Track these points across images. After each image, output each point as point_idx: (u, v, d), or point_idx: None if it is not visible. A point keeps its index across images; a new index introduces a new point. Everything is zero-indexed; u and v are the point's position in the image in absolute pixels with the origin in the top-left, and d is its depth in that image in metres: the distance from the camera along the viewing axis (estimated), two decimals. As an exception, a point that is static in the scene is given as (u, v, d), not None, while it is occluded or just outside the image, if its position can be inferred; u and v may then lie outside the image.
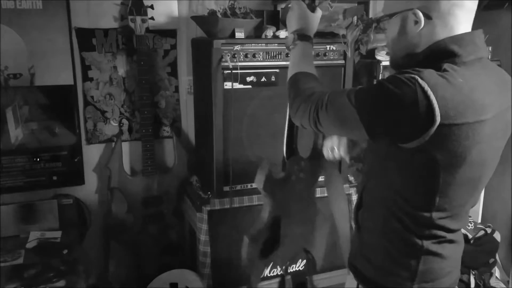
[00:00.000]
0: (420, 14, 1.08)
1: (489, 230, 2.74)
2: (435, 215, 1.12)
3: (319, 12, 1.47)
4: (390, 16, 1.15)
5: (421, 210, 1.12)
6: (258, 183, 1.71)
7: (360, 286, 1.30)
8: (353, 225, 1.39)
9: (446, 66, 1.03)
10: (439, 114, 0.97)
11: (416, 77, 0.99)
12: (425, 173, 1.07)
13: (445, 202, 1.11)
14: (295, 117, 1.28)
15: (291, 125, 1.75)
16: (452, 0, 1.07)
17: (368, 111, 1.06)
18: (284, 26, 2.34)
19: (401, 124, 1.01)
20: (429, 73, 1.01)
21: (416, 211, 1.13)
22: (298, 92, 1.28)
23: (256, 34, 2.31)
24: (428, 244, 1.16)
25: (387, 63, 2.42)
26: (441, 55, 1.07)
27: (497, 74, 1.16)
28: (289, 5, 1.50)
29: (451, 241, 1.20)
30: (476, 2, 1.10)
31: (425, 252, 1.16)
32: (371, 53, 2.40)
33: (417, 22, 1.09)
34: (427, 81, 0.98)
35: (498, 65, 2.84)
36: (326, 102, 1.15)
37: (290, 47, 1.42)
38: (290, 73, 1.37)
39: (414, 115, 0.98)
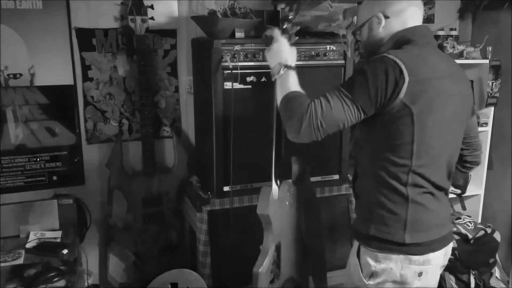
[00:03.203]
0: (381, 15, 1.47)
1: (489, 230, 2.74)
2: (414, 162, 1.37)
3: (294, 49, 1.69)
4: (362, 25, 1.53)
5: (403, 158, 1.37)
6: (261, 210, 1.73)
7: (361, 246, 1.48)
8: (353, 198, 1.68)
9: (404, 46, 1.42)
10: (407, 74, 1.30)
11: (384, 54, 1.36)
12: (404, 124, 1.34)
13: (421, 150, 1.37)
14: (301, 134, 1.36)
15: (278, 152, 1.78)
16: (403, 2, 1.46)
17: (359, 93, 1.33)
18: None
19: (384, 90, 1.30)
20: (392, 51, 1.38)
21: (399, 159, 1.37)
22: (293, 111, 1.38)
23: (256, 34, 2.31)
24: (411, 192, 1.39)
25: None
26: (401, 41, 1.44)
27: (442, 54, 1.56)
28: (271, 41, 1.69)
29: (433, 195, 1.43)
30: (421, 3, 1.50)
31: (411, 201, 1.39)
32: (371, 53, 2.40)
33: (379, 23, 1.47)
34: (393, 54, 1.34)
35: (497, 65, 2.86)
36: (323, 106, 1.34)
37: (278, 75, 1.56)
38: (280, 96, 1.48)
39: (391, 79, 1.30)
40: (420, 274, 1.43)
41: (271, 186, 1.78)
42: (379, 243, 1.42)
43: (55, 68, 2.35)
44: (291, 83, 1.51)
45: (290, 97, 1.44)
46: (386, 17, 1.46)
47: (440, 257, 1.48)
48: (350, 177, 2.50)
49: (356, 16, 1.61)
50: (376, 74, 1.31)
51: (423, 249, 1.42)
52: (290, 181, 1.88)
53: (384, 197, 1.41)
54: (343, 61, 2.30)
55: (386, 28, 1.47)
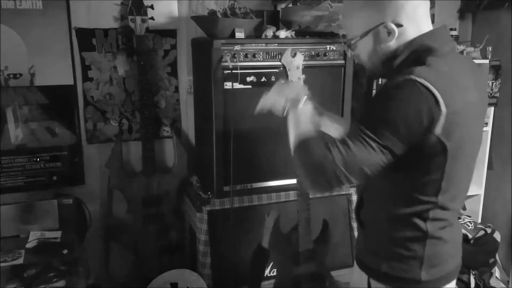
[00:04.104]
0: (392, 26, 1.16)
1: (489, 230, 2.74)
2: (440, 198, 1.19)
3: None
4: (362, 36, 1.21)
5: (429, 195, 1.18)
6: None
7: (370, 280, 1.34)
8: (355, 224, 1.41)
9: (429, 59, 1.12)
10: (443, 104, 1.05)
11: (412, 77, 1.06)
12: (435, 161, 1.13)
13: (449, 185, 1.18)
14: (323, 189, 1.15)
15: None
16: (414, 3, 1.16)
17: (385, 132, 1.07)
18: (284, 26, 2.34)
19: (417, 125, 1.06)
20: (419, 70, 1.08)
21: (424, 196, 1.19)
22: (310, 162, 1.15)
23: (256, 34, 2.31)
24: (431, 228, 1.22)
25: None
26: (421, 51, 1.15)
27: (467, 61, 1.30)
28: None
29: (452, 225, 1.27)
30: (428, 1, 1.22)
31: (430, 236, 1.22)
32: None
33: (390, 33, 1.17)
34: (423, 77, 1.06)
35: (497, 65, 2.80)
36: (343, 154, 1.09)
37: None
38: (293, 136, 1.25)
39: (425, 111, 1.05)
40: None
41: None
42: (392, 280, 1.28)
43: (55, 68, 2.35)
44: (306, 124, 1.26)
45: (305, 144, 1.19)
46: (399, 25, 1.16)
47: (454, 283, 1.36)
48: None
49: (345, 23, 1.29)
50: (405, 106, 1.06)
51: (439, 283, 1.29)
52: None
53: (399, 233, 1.25)
54: (343, 61, 2.30)
55: (399, 38, 1.17)
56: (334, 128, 1.63)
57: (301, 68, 1.69)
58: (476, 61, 2.80)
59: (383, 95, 1.13)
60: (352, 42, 1.25)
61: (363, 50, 1.25)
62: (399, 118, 1.06)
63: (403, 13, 1.16)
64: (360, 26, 1.21)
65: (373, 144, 1.08)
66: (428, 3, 1.20)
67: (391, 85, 1.10)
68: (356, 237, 1.50)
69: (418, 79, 1.05)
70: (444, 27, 1.23)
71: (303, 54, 1.71)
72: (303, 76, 1.70)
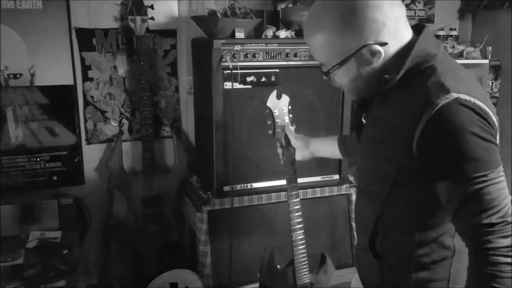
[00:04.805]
0: (377, 47, 1.05)
1: (489, 230, 2.73)
2: None
3: None
4: (341, 64, 1.10)
5: None
6: None
7: None
8: (355, 224, 1.38)
9: (439, 67, 1.05)
10: (492, 113, 1.02)
11: (453, 95, 0.98)
12: None
13: None
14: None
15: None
16: (393, 16, 1.06)
17: (490, 159, 1.01)
18: (284, 26, 2.34)
19: (493, 139, 1.03)
20: (451, 85, 1.00)
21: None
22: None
23: (256, 34, 2.31)
24: (457, 242, 1.13)
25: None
26: (421, 57, 1.07)
27: (453, 59, 1.20)
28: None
29: None
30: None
31: (456, 253, 1.15)
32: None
33: (374, 54, 1.06)
34: (462, 92, 0.99)
35: (497, 65, 2.80)
36: (493, 207, 0.98)
37: None
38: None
39: (488, 126, 1.01)
40: None
41: None
42: None
43: (55, 68, 2.35)
44: None
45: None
46: (383, 44, 1.06)
47: None
48: (351, 178, 2.51)
49: (314, 49, 1.17)
50: (478, 126, 0.98)
51: None
52: None
53: (425, 258, 1.15)
54: (343, 61, 2.30)
55: (384, 55, 1.08)
56: (326, 146, 1.67)
57: (287, 109, 1.68)
58: (476, 61, 2.81)
59: (444, 132, 0.98)
60: (330, 71, 1.14)
61: (344, 76, 1.14)
62: (487, 140, 1.00)
63: (385, 31, 1.05)
64: (334, 52, 1.10)
65: (495, 177, 0.99)
66: (404, 8, 1.10)
67: (436, 116, 0.98)
68: (356, 257, 1.39)
69: (460, 96, 0.98)
70: (426, 27, 1.13)
71: (289, 96, 1.68)
72: (290, 116, 1.69)
